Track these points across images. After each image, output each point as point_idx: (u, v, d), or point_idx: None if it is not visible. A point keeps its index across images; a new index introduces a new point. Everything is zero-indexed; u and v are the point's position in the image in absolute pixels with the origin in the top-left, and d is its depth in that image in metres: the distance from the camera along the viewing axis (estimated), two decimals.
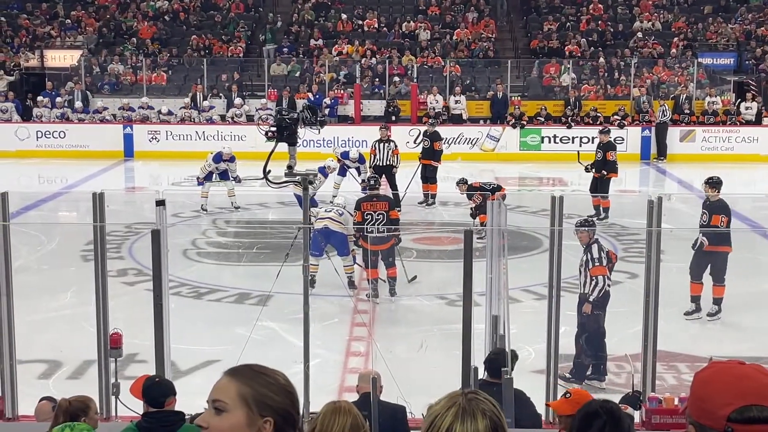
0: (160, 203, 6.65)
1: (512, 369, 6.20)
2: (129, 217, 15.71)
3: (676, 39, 27.15)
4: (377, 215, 11.60)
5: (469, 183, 14.60)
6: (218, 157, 16.30)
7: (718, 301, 10.53)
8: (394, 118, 23.92)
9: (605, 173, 15.99)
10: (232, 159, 16.35)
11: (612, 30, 27.76)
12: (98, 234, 6.83)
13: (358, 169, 16.69)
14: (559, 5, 28.92)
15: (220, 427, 2.04)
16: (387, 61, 25.89)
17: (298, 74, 26.11)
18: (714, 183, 10.68)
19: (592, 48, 26.92)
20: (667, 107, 23.44)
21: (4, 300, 6.74)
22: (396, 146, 16.90)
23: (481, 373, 6.44)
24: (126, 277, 12.12)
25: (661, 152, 23.23)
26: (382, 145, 16.71)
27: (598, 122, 23.64)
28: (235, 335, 9.26)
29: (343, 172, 16.45)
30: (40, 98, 24.50)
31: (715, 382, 1.89)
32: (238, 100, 24.35)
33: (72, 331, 9.83)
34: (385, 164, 16.51)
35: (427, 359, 9.41)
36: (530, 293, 11.26)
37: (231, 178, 16.36)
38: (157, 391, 5.14)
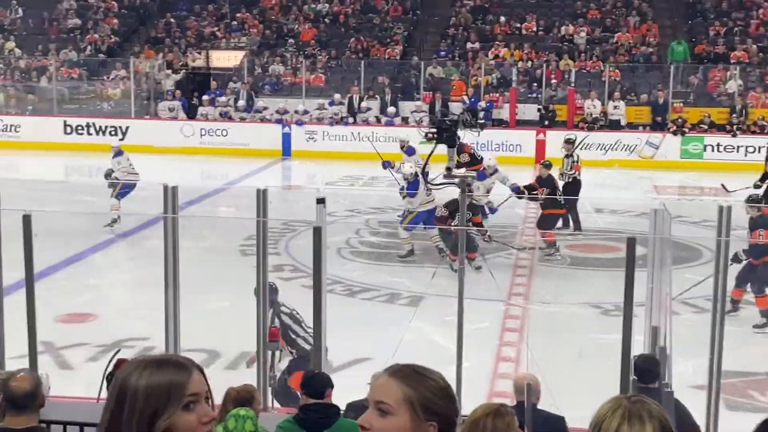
0: (321, 201, 6.75)
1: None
2: (285, 214, 16.08)
3: None
4: None
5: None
6: (411, 150, 16.57)
7: (765, 313, 10.84)
8: (547, 122, 23.59)
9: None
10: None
11: None
12: (261, 229, 7.00)
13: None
14: (726, 10, 27.82)
15: (385, 429, 1.98)
16: (544, 65, 25.56)
17: (453, 77, 26.12)
18: (753, 200, 11.45)
19: (761, 54, 25.76)
20: None
21: (171, 291, 6.97)
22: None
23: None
24: (282, 272, 12.39)
25: None
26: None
27: (766, 131, 22.61)
28: (385, 334, 9.35)
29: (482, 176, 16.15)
30: (205, 97, 25.44)
31: None
32: (391, 109, 24.44)
33: (230, 323, 10.12)
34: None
35: (580, 369, 9.23)
36: (689, 306, 10.90)
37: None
38: (318, 382, 5.30)
